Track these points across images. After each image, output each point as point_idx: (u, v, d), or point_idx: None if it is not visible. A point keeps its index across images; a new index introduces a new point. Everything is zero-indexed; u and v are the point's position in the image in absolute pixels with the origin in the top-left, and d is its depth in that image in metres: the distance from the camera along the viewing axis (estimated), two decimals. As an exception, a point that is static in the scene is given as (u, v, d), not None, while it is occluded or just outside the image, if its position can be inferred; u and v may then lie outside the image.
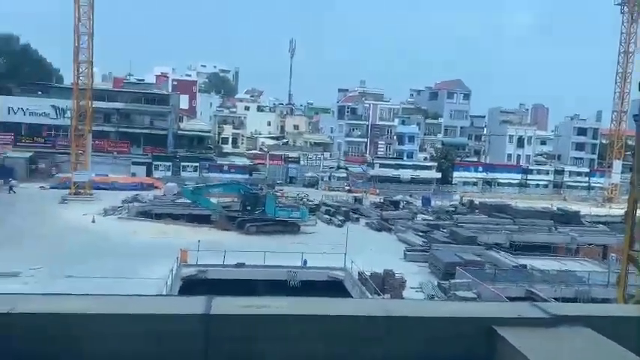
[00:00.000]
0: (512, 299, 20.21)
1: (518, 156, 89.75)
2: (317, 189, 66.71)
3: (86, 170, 49.62)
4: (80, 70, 48.61)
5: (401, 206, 54.17)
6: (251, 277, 25.59)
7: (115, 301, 2.15)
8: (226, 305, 2.08)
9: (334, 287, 25.51)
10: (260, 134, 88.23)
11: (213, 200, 41.01)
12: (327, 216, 44.81)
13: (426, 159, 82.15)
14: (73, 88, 49.84)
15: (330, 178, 71.81)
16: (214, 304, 2.09)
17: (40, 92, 69.33)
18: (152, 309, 2.06)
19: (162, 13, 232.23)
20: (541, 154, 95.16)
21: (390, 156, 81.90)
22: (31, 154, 62.62)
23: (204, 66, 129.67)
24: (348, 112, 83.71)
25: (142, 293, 2.27)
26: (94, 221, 37.25)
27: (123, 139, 67.68)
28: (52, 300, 2.10)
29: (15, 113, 64.50)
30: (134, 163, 65.23)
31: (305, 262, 27.84)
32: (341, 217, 44.04)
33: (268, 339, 1.97)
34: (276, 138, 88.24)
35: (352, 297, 22.41)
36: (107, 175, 57.51)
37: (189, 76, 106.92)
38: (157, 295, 2.15)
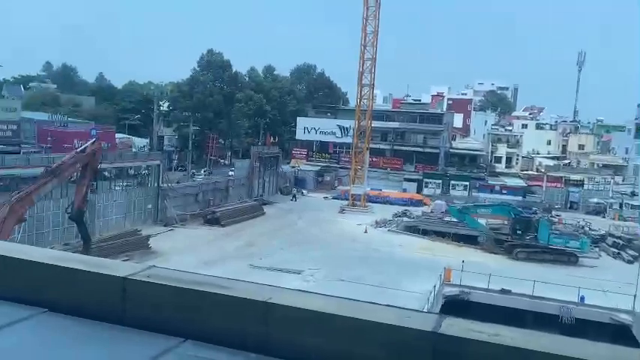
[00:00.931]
0: None
1: None
2: (603, 217, 58.80)
3: (362, 184, 54.01)
4: (363, 92, 53.25)
5: None
6: (516, 306, 23.93)
7: (350, 305, 2.22)
8: (457, 327, 1.95)
9: (618, 332, 21.95)
10: (538, 154, 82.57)
11: (481, 221, 39.95)
12: (614, 249, 39.33)
13: None
14: (355, 110, 54.89)
15: (621, 206, 62.38)
16: (445, 323, 1.98)
17: (329, 114, 78.71)
18: (382, 318, 2.06)
19: (445, 35, 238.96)
20: None
21: None
22: (319, 167, 71.41)
23: (482, 84, 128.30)
24: (648, 129, 71.98)
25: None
26: (366, 231, 40.16)
27: (396, 157, 71.43)
28: (300, 296, 2.31)
29: (309, 132, 74.41)
30: (406, 180, 68.08)
31: (582, 298, 24.78)
32: (633, 252, 37.97)
33: None
34: (556, 158, 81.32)
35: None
36: (380, 190, 61.40)
37: (465, 94, 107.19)
38: (388, 305, 2.16)
